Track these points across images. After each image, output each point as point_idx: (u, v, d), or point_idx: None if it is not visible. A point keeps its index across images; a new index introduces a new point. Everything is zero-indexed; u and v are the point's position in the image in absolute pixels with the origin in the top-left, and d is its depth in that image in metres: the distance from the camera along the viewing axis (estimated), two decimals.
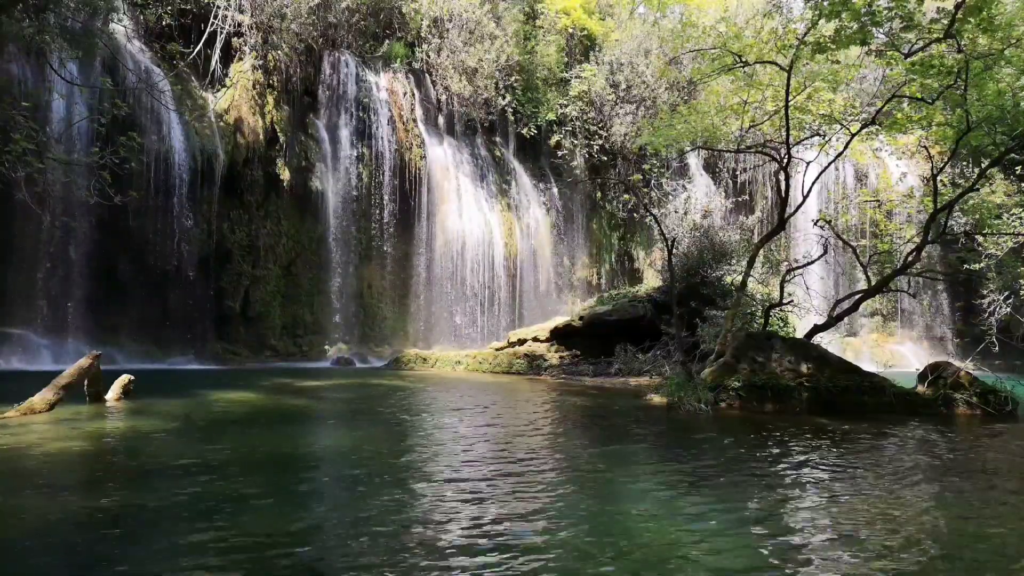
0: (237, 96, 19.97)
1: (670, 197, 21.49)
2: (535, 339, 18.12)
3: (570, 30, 27.22)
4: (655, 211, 18.75)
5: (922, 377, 10.55)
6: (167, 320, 18.10)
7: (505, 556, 3.48)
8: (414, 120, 23.39)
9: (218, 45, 19.84)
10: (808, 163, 13.15)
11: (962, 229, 15.58)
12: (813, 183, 12.89)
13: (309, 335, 20.96)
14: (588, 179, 26.90)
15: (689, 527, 4.08)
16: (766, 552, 3.68)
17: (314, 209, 21.30)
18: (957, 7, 9.68)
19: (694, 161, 27.87)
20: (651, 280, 24.42)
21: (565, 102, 26.15)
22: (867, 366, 12.45)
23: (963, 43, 10.05)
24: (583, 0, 27.97)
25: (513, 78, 25.09)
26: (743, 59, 12.00)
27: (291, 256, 21.02)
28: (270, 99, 20.68)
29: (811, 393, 9.76)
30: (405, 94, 23.39)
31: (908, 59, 10.71)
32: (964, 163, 19.42)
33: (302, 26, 20.97)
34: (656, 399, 10.45)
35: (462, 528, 3.95)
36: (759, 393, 9.83)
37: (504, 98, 24.88)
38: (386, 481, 5.14)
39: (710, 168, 28.83)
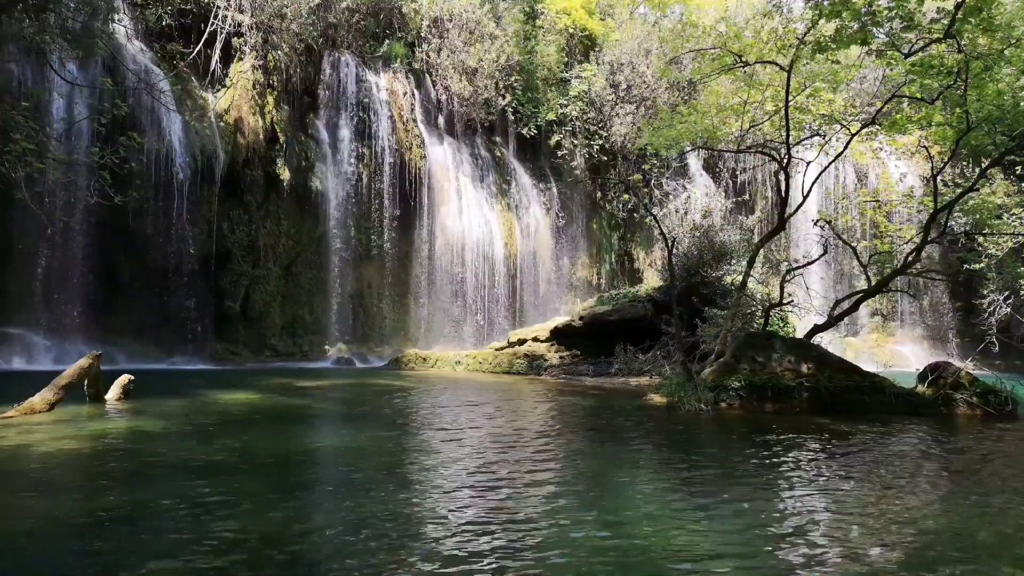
0: (237, 96, 19.97)
1: (670, 197, 21.49)
2: (535, 339, 18.11)
3: (570, 30, 27.20)
4: (655, 211, 18.76)
5: (922, 377, 10.54)
6: (167, 320, 18.09)
7: (505, 556, 3.48)
8: (414, 120, 23.38)
9: (218, 45, 19.84)
10: (808, 163, 13.16)
11: (962, 229, 15.60)
12: (813, 183, 12.89)
13: (309, 335, 20.96)
14: (588, 179, 26.87)
15: (689, 527, 4.08)
16: (766, 552, 3.68)
17: (314, 209, 21.30)
18: (957, 7, 9.67)
19: (694, 161, 27.83)
20: (651, 280, 24.38)
21: (565, 102, 26.12)
22: (867, 366, 12.43)
23: (963, 43, 10.05)
24: (583, 0, 27.94)
25: (513, 78, 25.08)
26: (743, 59, 12.00)
27: (291, 256, 21.03)
28: (270, 99, 20.69)
29: (811, 393, 9.76)
30: (405, 94, 23.38)
31: (908, 59, 10.71)
32: (964, 163, 19.45)
33: (302, 26, 20.98)
34: (656, 399, 10.45)
35: (461, 528, 3.95)
36: (759, 393, 9.83)
37: (504, 98, 24.87)
38: (386, 481, 5.15)
39: (710, 168, 28.79)
